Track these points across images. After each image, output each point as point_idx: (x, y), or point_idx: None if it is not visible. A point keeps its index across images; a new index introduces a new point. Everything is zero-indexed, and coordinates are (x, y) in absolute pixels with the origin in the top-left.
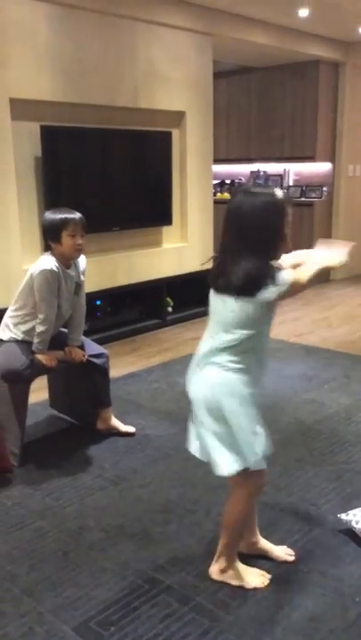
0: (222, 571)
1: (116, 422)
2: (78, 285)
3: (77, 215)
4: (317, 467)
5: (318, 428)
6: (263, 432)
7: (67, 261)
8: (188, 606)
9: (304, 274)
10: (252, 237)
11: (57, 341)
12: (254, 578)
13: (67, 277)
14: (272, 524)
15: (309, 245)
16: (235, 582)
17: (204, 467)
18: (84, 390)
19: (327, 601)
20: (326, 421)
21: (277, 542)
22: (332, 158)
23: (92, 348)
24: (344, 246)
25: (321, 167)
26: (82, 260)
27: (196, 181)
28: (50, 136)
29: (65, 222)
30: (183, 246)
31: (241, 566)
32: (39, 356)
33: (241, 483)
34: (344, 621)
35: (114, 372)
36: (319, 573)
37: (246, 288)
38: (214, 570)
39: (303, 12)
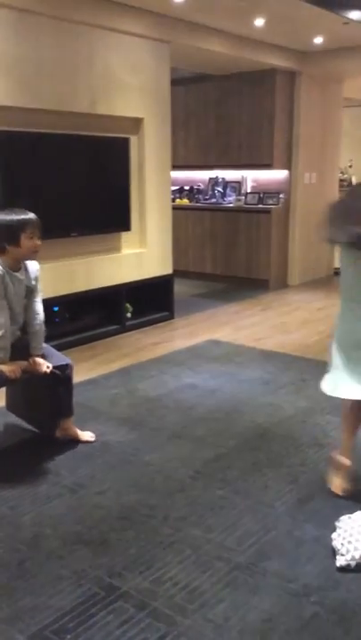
0: None
1: (75, 430)
2: (30, 290)
3: (34, 216)
4: (274, 469)
5: (275, 430)
6: None
7: (17, 264)
8: (145, 612)
9: None
10: None
11: (20, 350)
12: None
13: (14, 280)
14: (230, 526)
15: (267, 251)
16: None
17: (164, 472)
18: (45, 400)
19: (283, 602)
20: (283, 424)
21: (235, 544)
22: (288, 166)
23: (56, 358)
24: None
25: (278, 174)
26: (32, 265)
27: (155, 187)
28: (6, 141)
29: (24, 223)
30: (142, 252)
31: None
32: (1, 367)
33: None
34: (300, 621)
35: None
36: (275, 575)
37: None
38: None
39: (259, 22)
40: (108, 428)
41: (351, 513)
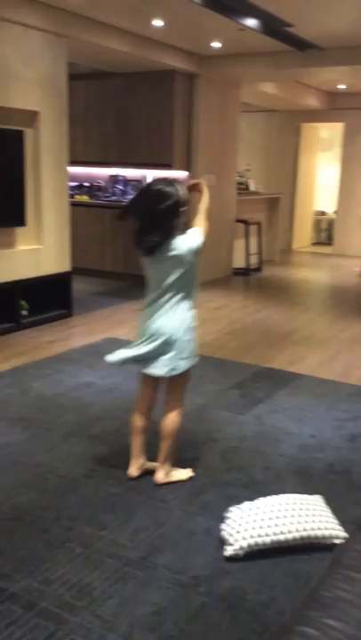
0: (167, 474)
1: None
2: None
3: None
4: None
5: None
6: None
7: None
8: (33, 612)
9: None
10: None
11: None
12: (185, 473)
13: None
14: (123, 522)
15: None
16: (176, 479)
17: (57, 472)
18: None
19: (171, 594)
20: None
21: (127, 540)
22: (188, 167)
23: None
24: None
25: (178, 174)
26: None
27: (52, 182)
28: None
29: None
30: (39, 248)
31: (174, 467)
32: None
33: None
34: (188, 612)
35: None
36: (165, 568)
37: None
38: (161, 475)
39: (158, 23)
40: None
41: (240, 504)
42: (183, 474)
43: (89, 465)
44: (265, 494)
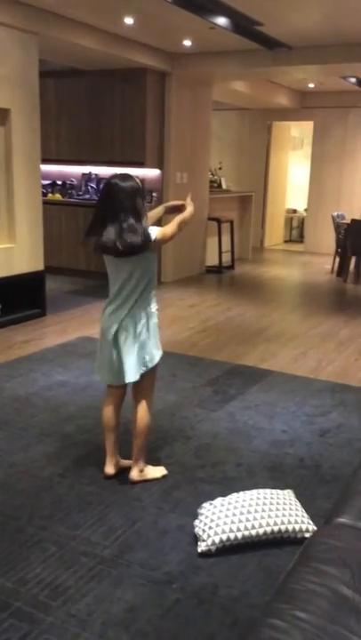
0: (141, 471)
1: None
2: None
3: None
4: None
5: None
6: None
7: None
8: (7, 612)
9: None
10: None
11: None
12: (159, 471)
13: None
14: (96, 521)
15: None
16: (150, 477)
17: (30, 472)
18: None
19: (145, 591)
20: (153, 418)
21: (101, 539)
22: (160, 165)
23: None
24: (186, 201)
25: (151, 173)
26: None
27: (24, 180)
28: None
29: None
30: (11, 247)
31: (148, 466)
32: None
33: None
34: (161, 608)
35: None
36: (139, 565)
37: None
38: (135, 473)
39: (129, 21)
40: None
41: (213, 500)
42: (157, 472)
43: (63, 464)
44: (238, 490)
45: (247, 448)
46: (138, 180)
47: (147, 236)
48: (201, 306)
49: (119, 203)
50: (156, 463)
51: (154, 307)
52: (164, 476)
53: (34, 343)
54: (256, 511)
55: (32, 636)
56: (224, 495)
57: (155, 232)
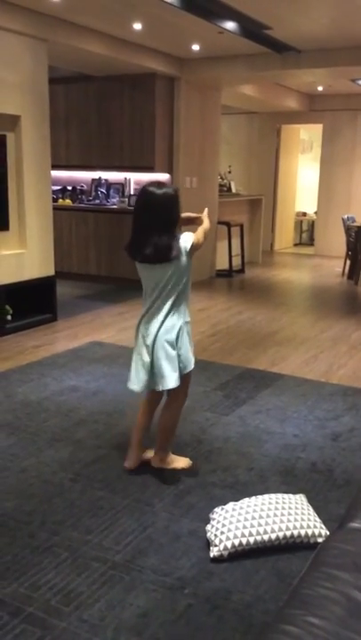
0: (162, 460)
1: None
2: None
3: None
4: (154, 467)
5: (156, 429)
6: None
7: None
8: (20, 618)
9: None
10: None
11: None
12: (183, 462)
13: None
14: (108, 526)
15: None
16: (172, 466)
17: (42, 477)
18: None
19: (157, 596)
20: None
21: (113, 544)
22: (170, 169)
23: None
24: (202, 214)
25: (160, 177)
26: None
27: (34, 186)
28: None
29: None
30: (22, 253)
31: (172, 455)
32: None
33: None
34: (173, 614)
35: None
36: (151, 570)
37: None
38: (156, 459)
39: (137, 26)
40: None
41: (224, 504)
42: (181, 462)
43: (74, 469)
44: (250, 495)
45: (258, 452)
46: (172, 188)
47: (178, 243)
48: (211, 310)
49: (154, 210)
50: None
51: (188, 314)
52: (190, 466)
53: (45, 348)
54: (268, 516)
55: None
56: (236, 500)
57: (190, 238)
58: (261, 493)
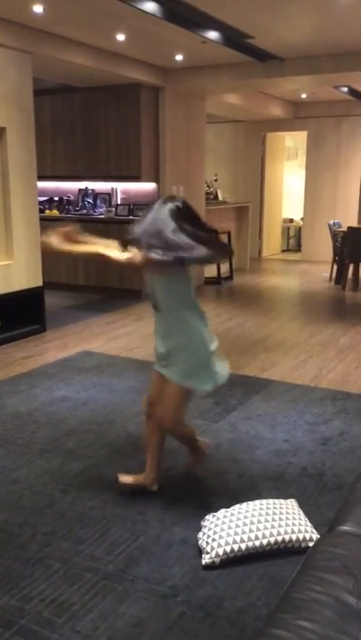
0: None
1: None
2: None
3: None
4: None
5: (146, 438)
6: None
7: None
8: (12, 630)
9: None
10: None
11: None
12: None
13: None
14: (100, 536)
15: None
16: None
17: (32, 488)
18: None
19: (150, 605)
20: None
21: (104, 554)
22: (156, 178)
23: None
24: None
25: (147, 186)
26: None
27: (21, 198)
28: None
29: None
30: (10, 264)
31: None
32: None
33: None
34: (166, 622)
35: None
36: (143, 579)
37: None
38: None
39: (120, 37)
40: None
41: (216, 512)
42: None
43: (65, 479)
44: (241, 501)
45: (249, 458)
46: (175, 203)
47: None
48: None
49: (153, 224)
50: (155, 475)
51: None
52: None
53: (34, 359)
54: (260, 522)
55: None
56: (227, 507)
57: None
58: (253, 499)
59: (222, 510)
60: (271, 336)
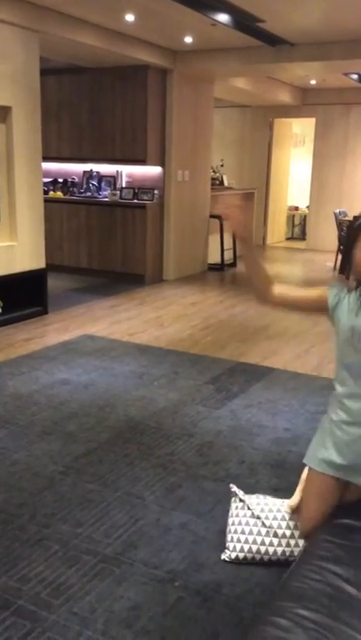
0: None
1: None
2: None
3: None
4: (145, 460)
5: (147, 423)
6: None
7: None
8: (9, 611)
9: None
10: None
11: None
12: None
13: None
14: (99, 519)
15: (143, 246)
16: None
17: (32, 469)
18: None
19: (148, 589)
20: (155, 416)
21: (103, 537)
22: (162, 162)
23: None
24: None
25: (152, 170)
26: None
27: (25, 178)
28: None
29: None
30: (13, 245)
31: None
32: None
33: None
34: (164, 606)
35: None
36: (142, 563)
37: None
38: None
39: (130, 17)
40: None
41: (215, 499)
42: None
43: (65, 462)
44: (241, 488)
45: (250, 446)
46: None
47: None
48: (203, 304)
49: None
50: (158, 461)
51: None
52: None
53: (35, 341)
54: (284, 536)
55: (34, 635)
56: (227, 493)
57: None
58: (252, 486)
59: (253, 497)
60: (273, 324)
